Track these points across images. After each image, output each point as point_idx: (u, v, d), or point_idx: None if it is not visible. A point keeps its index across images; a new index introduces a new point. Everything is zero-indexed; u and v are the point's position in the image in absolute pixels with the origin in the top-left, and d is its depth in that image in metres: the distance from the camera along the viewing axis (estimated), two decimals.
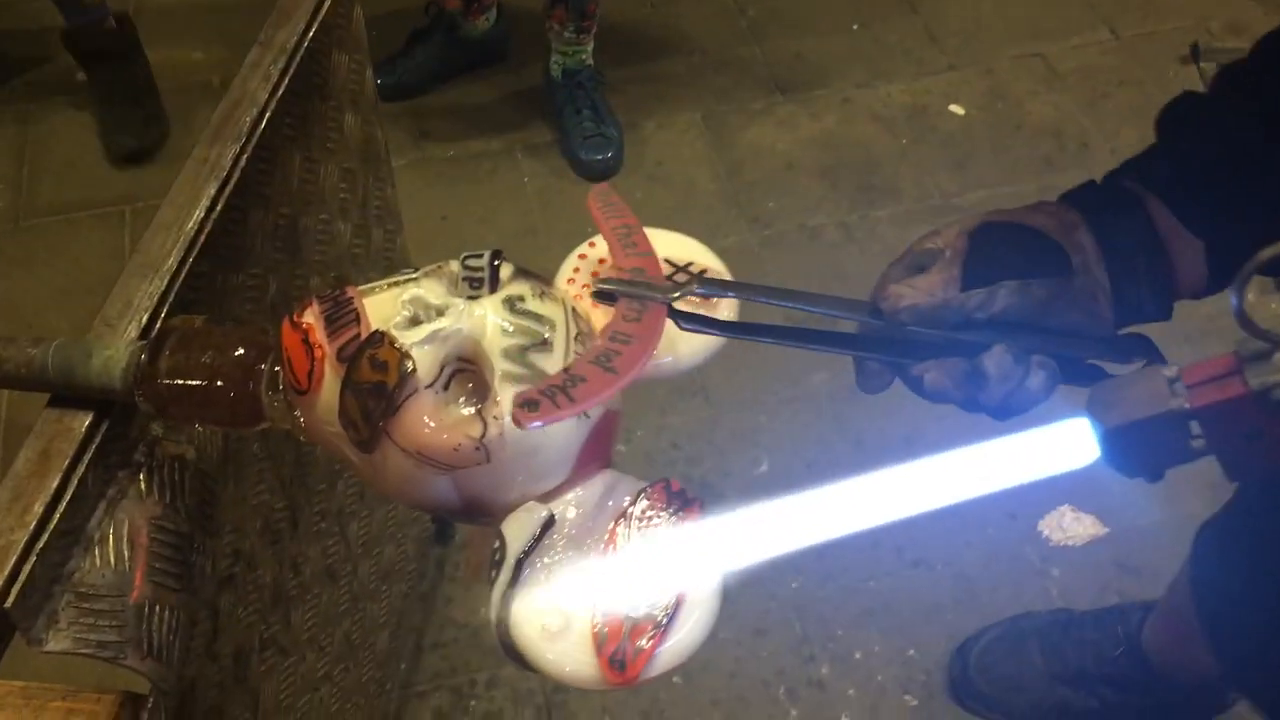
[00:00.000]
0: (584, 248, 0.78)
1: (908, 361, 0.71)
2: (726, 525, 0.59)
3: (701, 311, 0.70)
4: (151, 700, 0.69)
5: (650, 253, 0.67)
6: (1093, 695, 1.56)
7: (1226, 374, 0.52)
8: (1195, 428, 0.54)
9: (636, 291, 0.63)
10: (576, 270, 0.76)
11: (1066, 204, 0.75)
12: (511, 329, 0.56)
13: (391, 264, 1.29)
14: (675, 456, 1.86)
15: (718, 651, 1.64)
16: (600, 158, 2.29)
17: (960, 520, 1.79)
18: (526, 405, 0.52)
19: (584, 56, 2.34)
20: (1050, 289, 0.70)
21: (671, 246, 0.77)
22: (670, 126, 2.42)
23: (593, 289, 0.64)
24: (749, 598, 1.69)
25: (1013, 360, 0.69)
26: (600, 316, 0.65)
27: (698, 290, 0.65)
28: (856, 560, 1.74)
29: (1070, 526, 1.78)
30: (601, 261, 0.76)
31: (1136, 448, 0.56)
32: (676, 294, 0.64)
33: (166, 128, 2.37)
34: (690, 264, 0.75)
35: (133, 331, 0.74)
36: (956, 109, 2.44)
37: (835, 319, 0.73)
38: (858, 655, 1.65)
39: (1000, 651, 1.61)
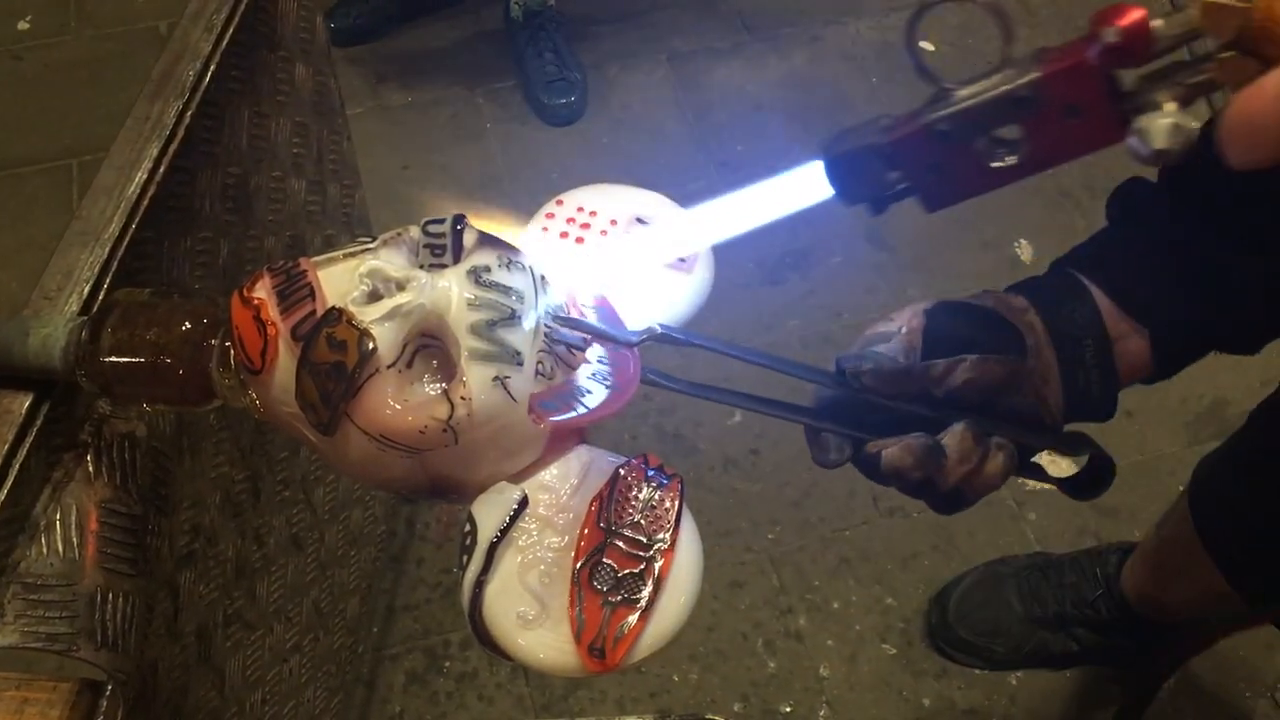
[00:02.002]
0: (551, 205, 0.74)
1: (864, 436, 0.71)
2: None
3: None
4: (109, 688, 0.66)
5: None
6: (1071, 638, 1.56)
7: (914, 115, 0.59)
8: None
9: (598, 336, 0.61)
10: (545, 230, 0.72)
11: (1013, 291, 0.76)
12: (478, 302, 0.52)
13: (350, 221, 1.24)
14: (647, 408, 1.83)
15: (694, 605, 1.62)
16: (563, 102, 2.24)
17: None
18: (546, 407, 0.54)
19: None
20: (1007, 367, 0.71)
21: (641, 204, 0.74)
22: (635, 68, 2.36)
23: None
24: (725, 550, 1.68)
25: (974, 440, 0.68)
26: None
27: (659, 334, 0.63)
28: (832, 510, 1.72)
29: (1047, 470, 1.77)
30: (569, 221, 0.73)
31: (849, 177, 0.62)
32: (636, 342, 0.62)
33: None
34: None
35: (74, 305, 0.70)
36: (927, 46, 2.40)
37: (799, 380, 0.74)
38: (835, 605, 1.64)
39: (978, 597, 1.60)
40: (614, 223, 0.72)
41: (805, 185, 0.65)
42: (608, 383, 0.57)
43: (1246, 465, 1.19)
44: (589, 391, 0.56)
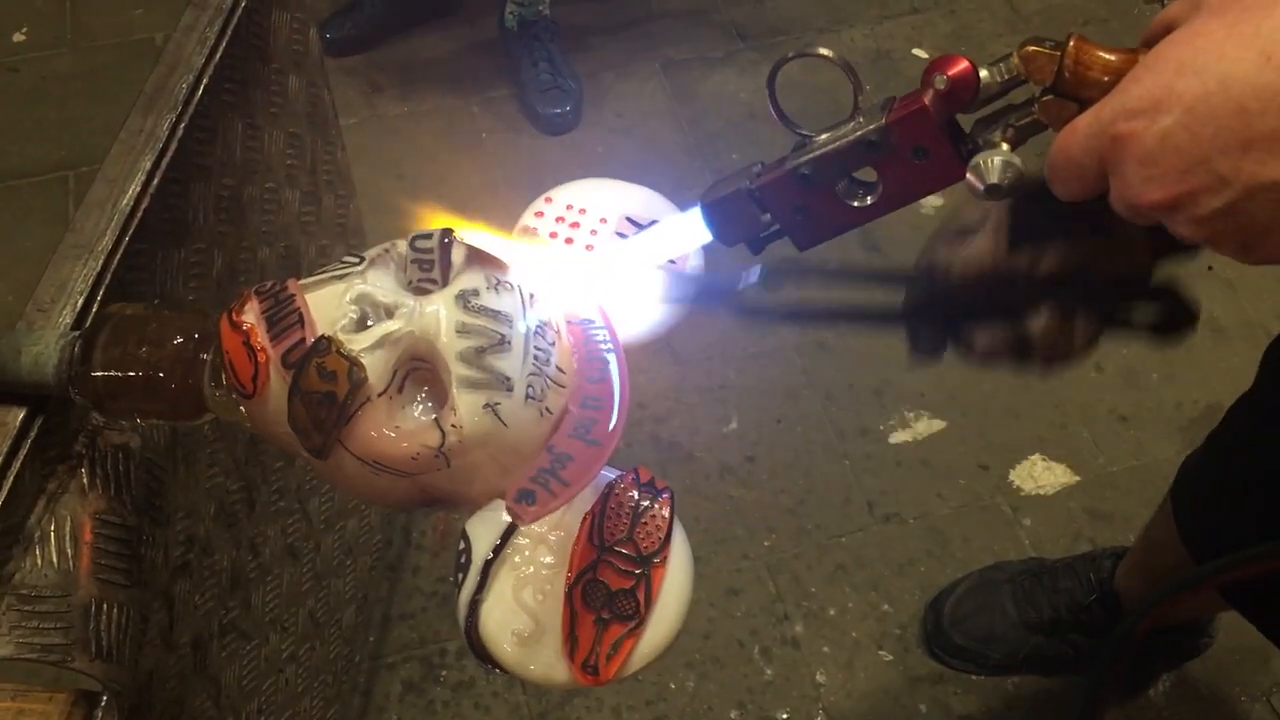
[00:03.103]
0: (540, 203, 0.75)
1: (959, 324, 0.71)
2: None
3: None
4: (105, 699, 0.66)
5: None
6: (1066, 643, 1.56)
7: (780, 162, 0.64)
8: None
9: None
10: (534, 229, 0.73)
11: None
12: (466, 329, 0.52)
13: (344, 231, 1.25)
14: (643, 416, 1.83)
15: (691, 613, 1.62)
16: (558, 111, 2.24)
17: (931, 473, 1.78)
18: (523, 498, 0.54)
19: (540, 6, 2.27)
20: (1095, 244, 0.69)
21: (631, 201, 0.74)
22: (630, 77, 2.36)
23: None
24: (721, 558, 1.68)
25: (1059, 320, 0.69)
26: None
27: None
28: (828, 517, 1.72)
29: (1041, 476, 1.78)
30: (559, 220, 0.74)
31: (724, 221, 0.67)
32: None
33: None
34: (653, 221, 0.72)
35: (67, 318, 0.70)
36: (920, 53, 2.40)
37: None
38: (831, 612, 1.65)
39: (973, 603, 1.61)
40: (604, 221, 0.72)
41: (686, 230, 0.69)
42: (589, 437, 0.57)
43: (1223, 460, 1.20)
44: (570, 456, 0.56)
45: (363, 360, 0.51)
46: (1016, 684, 1.60)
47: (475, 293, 0.53)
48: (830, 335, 1.92)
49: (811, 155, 0.63)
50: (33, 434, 0.66)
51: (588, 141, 2.25)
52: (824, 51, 0.63)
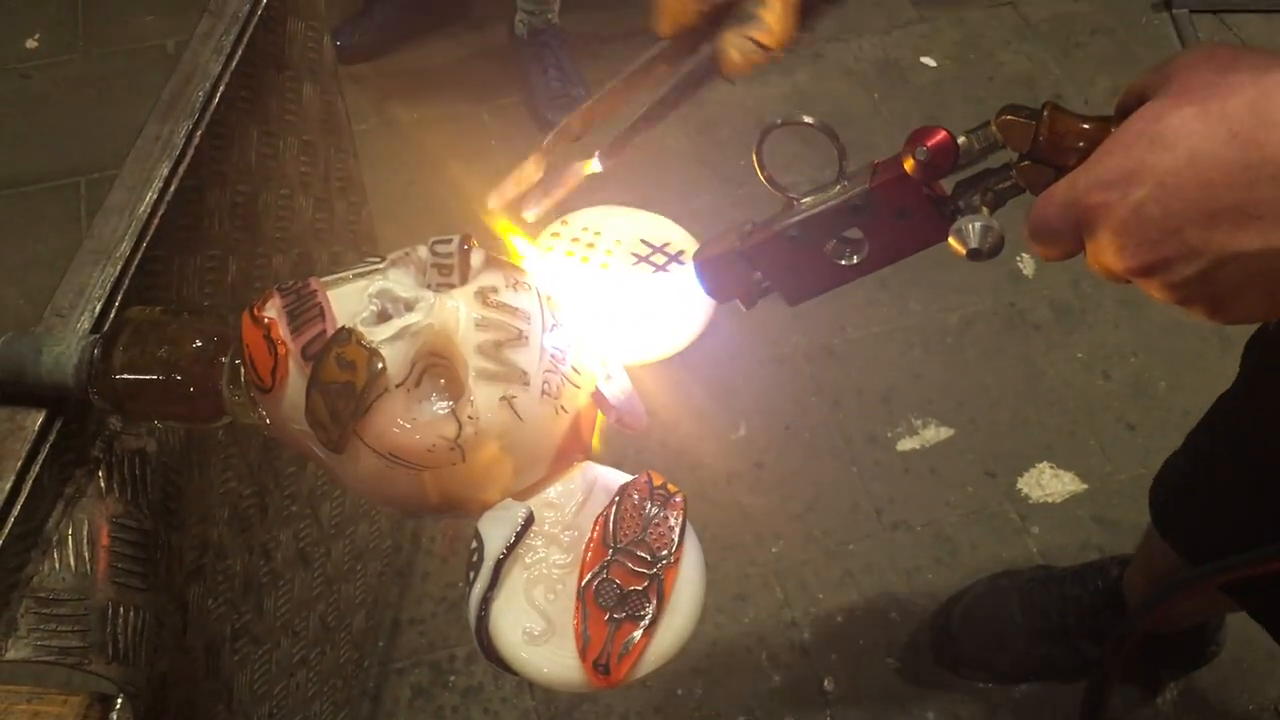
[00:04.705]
0: (556, 225, 0.75)
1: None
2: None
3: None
4: (120, 701, 0.67)
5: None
6: (1074, 651, 1.56)
7: (769, 222, 0.66)
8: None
9: None
10: (550, 249, 0.74)
11: None
12: (485, 323, 0.53)
13: (356, 237, 1.25)
14: (651, 423, 1.83)
15: (698, 621, 1.63)
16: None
17: (939, 480, 1.78)
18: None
19: (550, 15, 2.28)
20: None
21: (645, 226, 0.75)
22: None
23: None
24: (729, 564, 1.68)
25: None
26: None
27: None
28: (836, 523, 1.73)
29: (1049, 483, 1.78)
30: (574, 241, 0.74)
31: (715, 278, 0.69)
32: None
33: None
34: (666, 244, 0.73)
35: (86, 323, 0.71)
36: (928, 61, 2.41)
37: None
38: (839, 619, 1.65)
39: (981, 611, 1.61)
40: (619, 243, 0.73)
41: (681, 286, 0.71)
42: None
43: (1199, 457, 1.22)
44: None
45: (382, 351, 0.52)
46: (1024, 692, 1.59)
47: (494, 289, 0.54)
48: (838, 342, 1.93)
49: (799, 217, 0.65)
50: (51, 438, 0.67)
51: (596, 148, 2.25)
52: (808, 119, 0.65)
